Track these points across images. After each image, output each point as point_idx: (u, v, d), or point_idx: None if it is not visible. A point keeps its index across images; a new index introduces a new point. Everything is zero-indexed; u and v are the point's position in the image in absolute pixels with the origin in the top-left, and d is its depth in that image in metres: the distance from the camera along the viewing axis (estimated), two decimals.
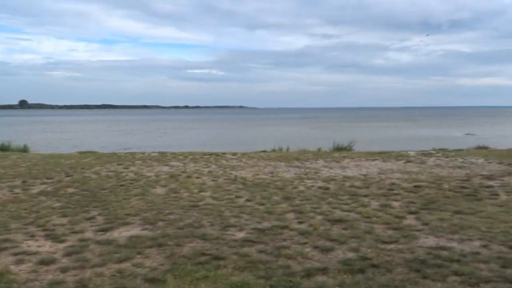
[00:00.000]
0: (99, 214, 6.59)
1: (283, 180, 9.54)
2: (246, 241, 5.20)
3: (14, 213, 6.68)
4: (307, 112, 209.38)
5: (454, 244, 5.02)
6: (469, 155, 14.11)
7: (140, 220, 6.23)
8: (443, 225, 5.81)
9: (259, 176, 10.20)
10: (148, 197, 7.82)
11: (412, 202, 7.23)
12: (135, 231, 5.73)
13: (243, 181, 9.43)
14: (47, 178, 9.89)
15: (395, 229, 5.68)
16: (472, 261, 4.46)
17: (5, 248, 5.00)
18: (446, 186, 8.69)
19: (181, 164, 12.33)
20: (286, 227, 5.80)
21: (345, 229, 5.70)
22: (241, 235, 5.50)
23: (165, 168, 11.55)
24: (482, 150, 16.48)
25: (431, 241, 5.17)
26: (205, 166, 11.97)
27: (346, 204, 7.16)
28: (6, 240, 5.28)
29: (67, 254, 4.80)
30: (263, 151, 16.70)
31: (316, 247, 4.95)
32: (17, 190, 8.52)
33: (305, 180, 9.55)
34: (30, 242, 5.26)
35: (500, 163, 12.02)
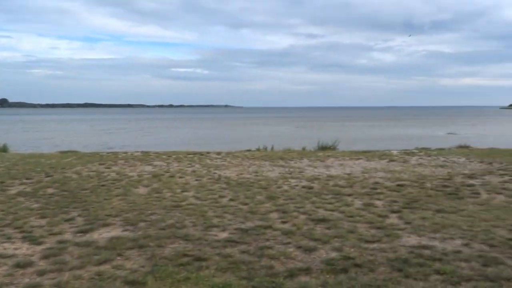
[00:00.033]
0: (79, 215, 6.46)
1: (267, 180, 9.51)
2: (228, 242, 5.14)
3: None
4: (292, 111, 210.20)
5: (436, 243, 5.04)
6: (451, 154, 14.29)
7: (121, 221, 6.12)
8: (425, 224, 5.84)
9: (243, 175, 10.15)
10: (130, 197, 7.70)
11: (395, 201, 7.27)
12: (115, 232, 5.62)
13: (227, 181, 9.36)
14: (26, 179, 9.68)
15: (378, 228, 5.69)
16: (453, 259, 4.49)
17: None
18: (428, 185, 8.76)
19: (165, 164, 12.20)
20: (269, 227, 5.76)
21: (328, 228, 5.68)
22: (224, 235, 5.45)
23: (148, 168, 11.41)
24: (463, 149, 16.72)
25: (413, 240, 5.19)
26: (189, 165, 11.87)
27: (330, 203, 7.15)
28: None
29: (45, 257, 4.67)
30: (247, 150, 16.65)
31: (299, 247, 4.93)
32: None
33: (289, 180, 9.53)
34: (6, 245, 5.11)
35: (481, 162, 12.20)
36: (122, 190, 8.36)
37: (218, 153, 14.92)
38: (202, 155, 14.37)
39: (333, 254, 4.68)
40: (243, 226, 5.84)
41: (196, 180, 9.54)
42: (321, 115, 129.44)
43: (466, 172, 10.39)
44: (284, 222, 6.00)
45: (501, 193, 7.86)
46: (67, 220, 6.18)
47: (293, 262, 4.47)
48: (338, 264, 4.37)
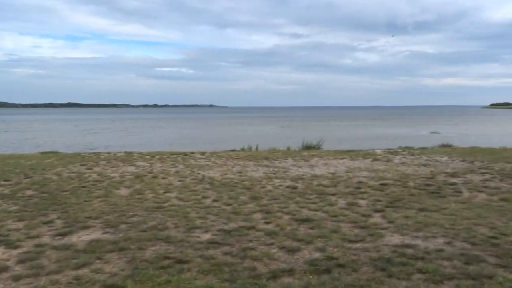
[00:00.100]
0: (58, 218, 6.30)
1: (251, 180, 9.45)
2: (211, 243, 5.07)
3: None
4: (277, 111, 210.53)
5: (418, 242, 5.05)
6: (433, 153, 14.44)
7: (101, 223, 5.99)
8: (408, 222, 5.86)
9: (227, 175, 10.07)
10: (111, 199, 7.56)
11: (378, 200, 7.28)
12: (95, 235, 5.50)
13: (210, 181, 9.28)
14: (5, 180, 9.44)
15: (362, 227, 5.68)
16: (436, 258, 4.50)
17: None
18: (411, 183, 8.82)
19: (148, 164, 12.04)
20: (252, 227, 5.71)
21: (312, 228, 5.65)
22: (206, 236, 5.37)
23: (131, 169, 11.25)
24: (446, 148, 16.92)
25: (396, 239, 5.19)
26: (172, 166, 11.74)
27: (314, 203, 7.13)
28: None
29: (21, 261, 4.53)
30: (232, 150, 16.58)
31: (282, 248, 4.88)
32: None
33: (274, 180, 9.49)
34: None
35: (463, 160, 12.35)
36: (103, 192, 8.20)
37: (202, 153, 14.81)
38: (186, 155, 14.24)
39: (317, 255, 4.64)
40: (226, 227, 5.77)
41: (179, 180, 9.43)
42: (306, 114, 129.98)
43: (448, 170, 10.50)
44: (267, 223, 5.95)
45: (482, 191, 7.95)
46: (45, 223, 6.02)
47: (276, 263, 4.42)
48: (321, 264, 4.33)
